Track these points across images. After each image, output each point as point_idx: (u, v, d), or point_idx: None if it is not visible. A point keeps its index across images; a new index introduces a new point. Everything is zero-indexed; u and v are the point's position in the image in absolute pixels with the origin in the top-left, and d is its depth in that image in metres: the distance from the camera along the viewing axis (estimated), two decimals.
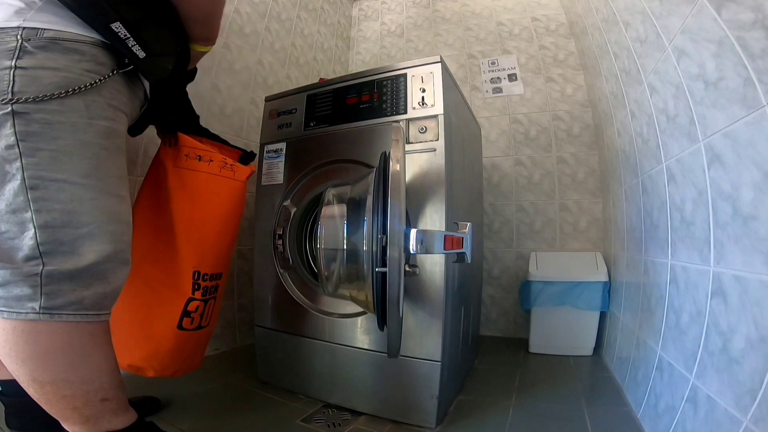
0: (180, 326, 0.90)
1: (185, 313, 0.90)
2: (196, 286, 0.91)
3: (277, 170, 1.20)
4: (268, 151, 1.24)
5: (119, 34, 0.64)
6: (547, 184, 1.88)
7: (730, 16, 0.58)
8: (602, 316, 1.50)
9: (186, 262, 0.90)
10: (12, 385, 0.78)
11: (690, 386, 0.70)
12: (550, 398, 1.13)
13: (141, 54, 0.67)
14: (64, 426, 0.64)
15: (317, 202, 1.17)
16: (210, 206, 0.96)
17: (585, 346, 1.52)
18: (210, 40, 0.85)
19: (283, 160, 1.20)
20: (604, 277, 1.48)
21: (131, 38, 0.65)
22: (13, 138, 0.57)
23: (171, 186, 0.92)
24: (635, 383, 1.02)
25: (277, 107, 1.27)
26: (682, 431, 0.71)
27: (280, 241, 1.15)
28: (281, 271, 1.16)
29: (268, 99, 1.31)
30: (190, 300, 0.91)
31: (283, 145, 1.21)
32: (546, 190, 1.88)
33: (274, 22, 1.90)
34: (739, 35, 0.56)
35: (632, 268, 1.18)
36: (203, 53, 0.87)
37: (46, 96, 0.59)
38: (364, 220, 0.86)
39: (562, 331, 1.53)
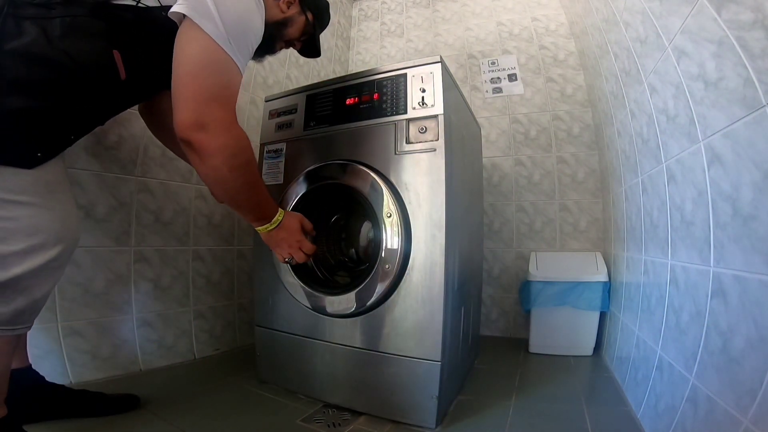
0: None
1: None
2: None
3: (277, 170, 1.20)
4: (268, 152, 1.24)
5: None
6: (547, 184, 1.88)
7: (730, 16, 0.58)
8: (602, 316, 1.50)
9: None
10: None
11: (690, 386, 0.70)
12: (550, 398, 1.13)
13: None
14: None
15: (317, 202, 1.17)
16: None
17: (585, 346, 1.52)
18: (256, 221, 0.91)
19: (283, 160, 1.20)
20: (604, 277, 1.48)
21: None
22: None
23: None
24: (635, 383, 1.02)
25: (277, 107, 1.27)
26: (682, 431, 0.71)
27: None
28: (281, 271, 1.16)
29: (267, 99, 1.31)
30: None
31: (283, 146, 1.21)
32: (546, 190, 1.88)
33: None
34: (739, 35, 0.56)
35: (632, 268, 1.18)
36: (267, 231, 0.93)
37: None
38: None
39: (562, 331, 1.53)
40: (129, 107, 0.91)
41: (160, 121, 1.04)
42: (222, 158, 0.75)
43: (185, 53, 0.70)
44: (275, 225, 0.92)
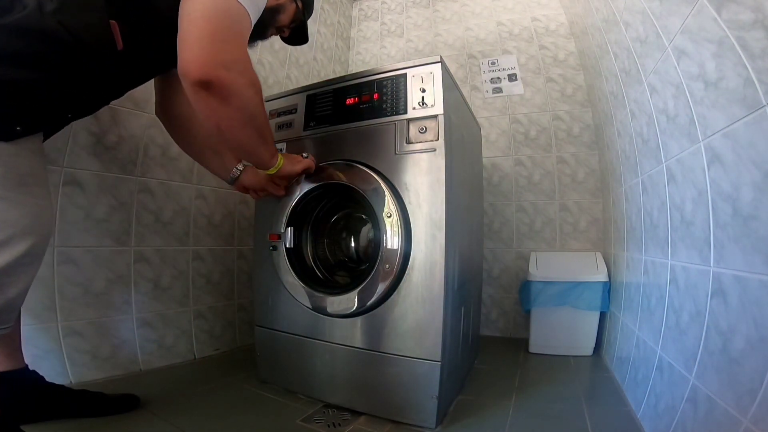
0: None
1: None
2: None
3: None
4: None
5: None
6: (547, 184, 1.88)
7: (730, 16, 0.58)
8: (602, 316, 1.50)
9: None
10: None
11: (690, 386, 0.70)
12: (550, 398, 1.13)
13: None
14: None
15: (317, 202, 1.18)
16: None
17: (585, 346, 1.52)
18: (272, 156, 0.93)
19: None
20: (604, 277, 1.48)
21: None
22: None
23: None
24: (635, 383, 1.02)
25: (277, 107, 1.27)
26: (682, 431, 0.71)
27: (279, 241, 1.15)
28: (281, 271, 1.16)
29: (267, 99, 1.31)
30: None
31: (283, 146, 1.21)
32: (546, 190, 1.88)
33: None
34: (739, 35, 0.56)
35: (632, 268, 1.18)
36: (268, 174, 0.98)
37: None
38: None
39: (562, 331, 1.53)
40: (130, 86, 0.87)
41: (180, 123, 1.01)
42: (249, 95, 0.74)
43: (198, 1, 0.67)
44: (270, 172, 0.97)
